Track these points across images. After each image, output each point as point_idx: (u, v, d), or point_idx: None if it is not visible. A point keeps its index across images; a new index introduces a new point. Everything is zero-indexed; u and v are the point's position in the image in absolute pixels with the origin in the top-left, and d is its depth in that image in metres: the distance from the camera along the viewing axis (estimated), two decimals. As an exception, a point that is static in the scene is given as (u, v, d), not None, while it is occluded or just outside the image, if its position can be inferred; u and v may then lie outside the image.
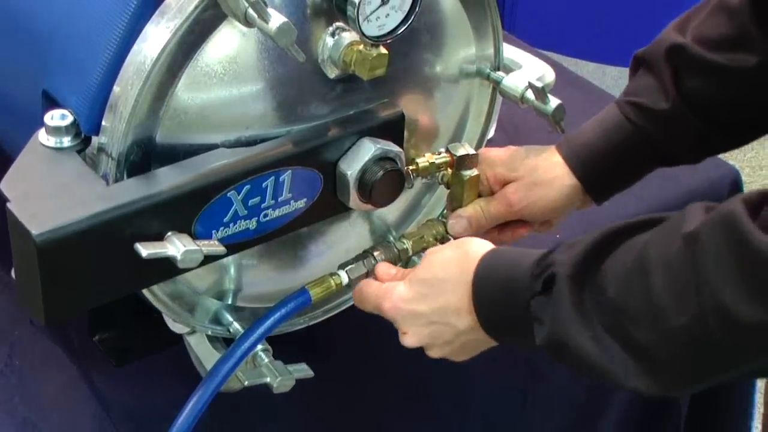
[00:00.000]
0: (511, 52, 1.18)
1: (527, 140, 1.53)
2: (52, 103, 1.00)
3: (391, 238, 1.18)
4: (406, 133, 1.11)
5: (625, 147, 1.13)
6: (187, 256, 0.93)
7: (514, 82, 1.14)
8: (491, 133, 1.52)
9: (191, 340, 1.13)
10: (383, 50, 0.99)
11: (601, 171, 1.14)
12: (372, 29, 0.97)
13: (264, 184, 0.99)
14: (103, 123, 0.95)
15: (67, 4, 1.00)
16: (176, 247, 0.92)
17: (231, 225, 0.99)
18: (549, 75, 1.16)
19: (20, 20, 1.05)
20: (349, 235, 1.17)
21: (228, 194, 0.97)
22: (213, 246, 0.96)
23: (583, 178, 1.13)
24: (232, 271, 1.11)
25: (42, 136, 0.97)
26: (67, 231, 0.89)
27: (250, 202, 0.98)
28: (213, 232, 0.98)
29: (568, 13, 2.78)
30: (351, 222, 1.16)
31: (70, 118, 0.97)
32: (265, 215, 1.00)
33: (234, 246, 1.00)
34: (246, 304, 1.13)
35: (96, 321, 1.19)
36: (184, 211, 0.95)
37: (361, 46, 0.98)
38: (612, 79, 2.80)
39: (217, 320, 1.12)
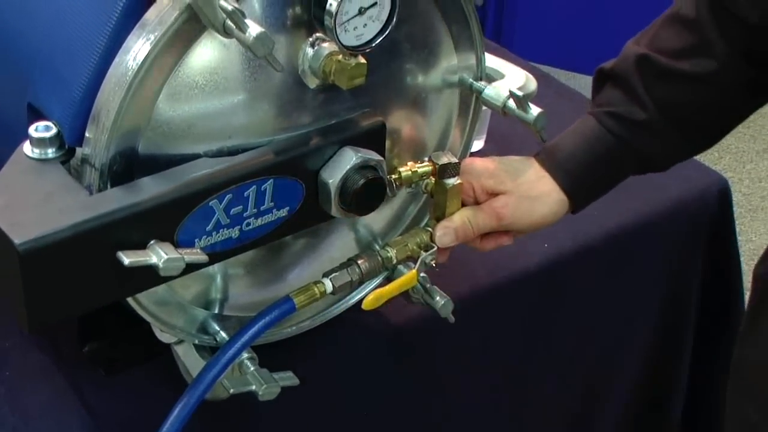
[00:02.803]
0: (493, 62, 1.20)
1: (517, 152, 1.54)
2: (37, 115, 1.01)
3: (377, 247, 1.19)
4: (389, 142, 1.12)
5: (608, 158, 1.15)
6: (168, 264, 0.94)
7: (496, 92, 1.15)
8: (481, 144, 1.54)
9: (179, 349, 1.14)
10: (362, 60, 1.00)
11: (587, 184, 1.16)
12: (350, 39, 0.99)
13: (246, 193, 1.00)
14: (87, 134, 0.97)
15: (51, 17, 1.01)
16: (158, 255, 0.94)
17: (213, 234, 1.00)
18: (531, 84, 1.18)
19: (5, 33, 1.06)
20: (334, 244, 1.19)
21: (210, 203, 0.98)
22: (195, 254, 0.97)
23: (572, 192, 1.15)
24: (219, 280, 1.12)
25: (27, 147, 0.99)
26: (50, 240, 0.90)
27: (232, 211, 1.00)
28: (196, 240, 0.99)
29: (565, 28, 2.80)
30: (336, 231, 1.18)
31: (54, 130, 0.98)
32: (248, 224, 1.02)
33: (217, 255, 1.01)
34: (233, 313, 1.15)
35: (85, 331, 1.20)
36: (167, 220, 0.96)
37: (340, 56, 0.99)
38: (609, 92, 2.81)
39: (203, 329, 1.13)
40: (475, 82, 1.17)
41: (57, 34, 1.00)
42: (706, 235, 1.53)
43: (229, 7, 0.90)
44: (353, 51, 0.99)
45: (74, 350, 1.19)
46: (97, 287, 0.95)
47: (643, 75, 1.12)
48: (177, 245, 0.97)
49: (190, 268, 0.97)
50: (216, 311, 1.13)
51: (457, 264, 1.24)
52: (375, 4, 0.99)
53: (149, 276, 0.95)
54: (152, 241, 0.95)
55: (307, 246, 1.17)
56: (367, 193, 1.05)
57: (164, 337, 1.13)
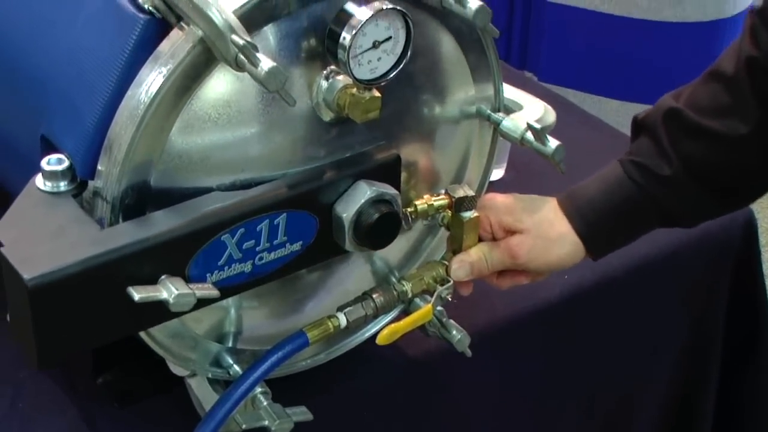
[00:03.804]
0: (511, 93, 1.19)
1: (538, 180, 1.53)
2: (49, 147, 1.01)
3: (393, 280, 1.18)
4: (405, 174, 1.11)
5: (628, 207, 1.12)
6: (179, 300, 0.93)
7: (514, 124, 1.14)
8: (501, 173, 1.53)
9: (192, 382, 1.13)
10: (376, 93, 0.99)
11: (603, 230, 1.14)
12: (364, 73, 0.98)
13: (258, 228, 0.99)
14: (99, 167, 0.96)
15: (65, 48, 1.01)
16: (169, 290, 0.93)
17: (225, 268, 0.99)
18: (549, 116, 1.16)
19: (20, 64, 1.06)
20: (350, 277, 1.17)
21: (222, 237, 0.97)
22: (206, 289, 0.96)
23: (586, 237, 1.13)
24: (233, 313, 1.11)
25: (39, 180, 0.98)
26: (59, 275, 0.89)
27: (244, 245, 0.99)
28: (207, 275, 0.98)
29: (591, 52, 2.78)
30: (352, 264, 1.16)
31: (66, 163, 0.98)
32: (260, 258, 1.01)
33: (229, 289, 1.00)
34: (247, 347, 1.14)
35: (99, 363, 1.19)
36: (178, 255, 0.95)
37: (354, 90, 0.99)
38: (636, 117, 2.79)
39: (217, 362, 1.12)
40: (493, 114, 1.16)
41: (70, 65, 1.00)
42: (732, 265, 1.51)
43: (241, 42, 0.89)
44: (367, 84, 0.98)
45: (88, 381, 1.19)
46: (107, 322, 0.94)
47: (671, 129, 1.10)
48: (188, 280, 0.96)
49: (201, 303, 0.96)
50: (230, 345, 1.12)
51: (476, 295, 1.22)
52: (390, 38, 0.97)
53: (160, 311, 0.94)
54: (163, 276, 0.94)
55: (322, 278, 1.15)
56: (381, 227, 1.03)
57: (177, 370, 1.12)
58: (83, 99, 0.98)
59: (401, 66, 1.00)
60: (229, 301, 1.09)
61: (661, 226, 1.15)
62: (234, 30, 0.90)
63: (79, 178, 0.98)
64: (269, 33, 0.97)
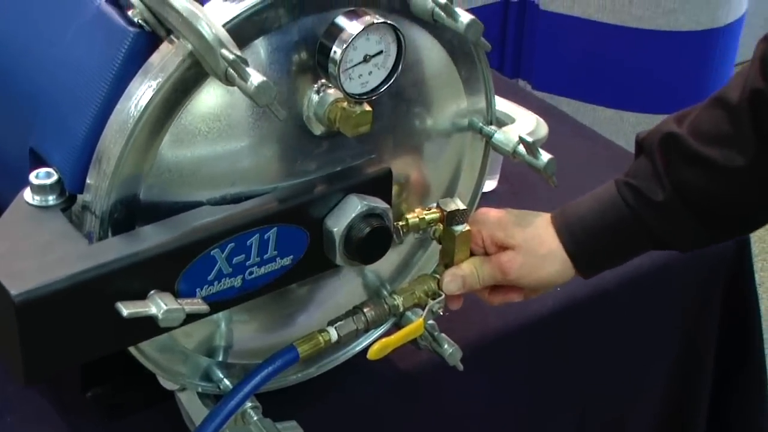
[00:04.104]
0: (504, 105, 1.18)
1: (531, 192, 1.53)
2: (38, 160, 1.00)
3: (385, 293, 1.17)
4: (396, 188, 1.10)
5: (619, 228, 1.11)
6: (168, 316, 0.92)
7: (506, 137, 1.13)
8: (494, 185, 1.53)
9: (182, 396, 1.13)
10: (367, 107, 0.99)
11: (592, 249, 1.12)
12: (354, 87, 0.97)
13: (248, 242, 0.98)
14: (88, 181, 0.95)
15: (55, 61, 1.00)
16: (158, 306, 0.92)
17: (215, 283, 0.98)
18: (542, 129, 1.16)
19: (10, 76, 1.05)
20: (342, 290, 1.17)
21: (212, 252, 0.96)
22: (196, 305, 0.95)
23: (575, 256, 1.12)
24: (223, 327, 1.11)
25: (27, 194, 0.97)
26: (46, 290, 0.88)
27: (234, 259, 0.98)
28: (197, 290, 0.97)
29: (585, 60, 2.77)
30: (344, 277, 1.16)
31: (54, 177, 0.97)
32: (251, 273, 1.00)
33: (219, 304, 1.00)
34: (237, 361, 1.13)
35: (88, 376, 1.18)
36: (167, 270, 0.95)
37: (345, 104, 0.98)
38: (630, 126, 2.79)
39: (207, 377, 1.11)
40: (485, 127, 1.15)
41: (60, 78, 0.99)
42: (724, 279, 1.51)
43: (231, 56, 0.88)
44: (358, 99, 0.97)
45: (77, 394, 1.18)
46: (95, 338, 0.94)
47: (667, 155, 1.08)
48: (178, 295, 0.95)
49: (191, 318, 0.95)
50: (220, 358, 1.11)
51: (468, 308, 1.22)
52: (381, 52, 0.97)
53: (149, 326, 0.93)
54: (152, 291, 0.93)
55: (313, 292, 1.15)
56: (372, 241, 1.03)
57: (167, 384, 1.11)
58: (72, 112, 0.97)
59: (392, 80, 0.99)
60: (220, 315, 1.08)
61: (654, 248, 1.14)
62: (224, 44, 0.89)
63: (68, 192, 0.98)
64: (260, 46, 0.97)
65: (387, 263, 1.18)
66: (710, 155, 1.06)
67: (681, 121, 1.10)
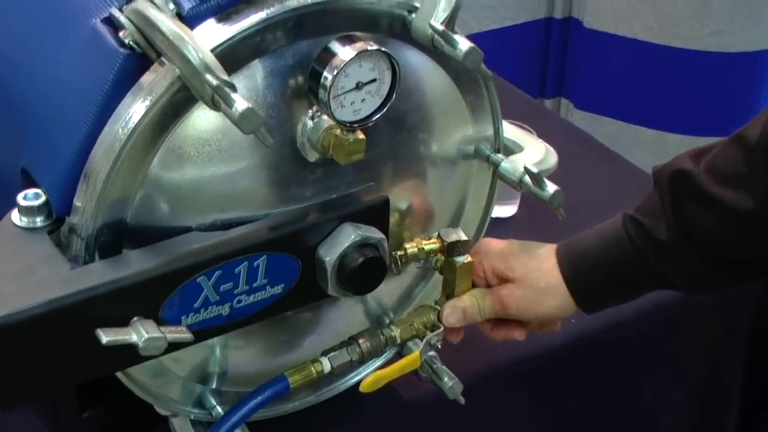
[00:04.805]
0: (513, 133, 1.15)
1: (551, 218, 1.48)
2: (29, 180, 0.99)
3: (387, 321, 1.14)
4: (397, 215, 1.08)
5: (622, 265, 1.06)
6: (149, 344, 0.90)
7: (513, 166, 1.10)
8: (514, 210, 1.49)
9: (175, 422, 1.11)
10: (360, 135, 0.96)
11: (594, 285, 1.08)
12: (346, 114, 0.94)
13: (237, 270, 0.96)
14: (75, 203, 0.94)
15: (48, 81, 0.99)
16: (139, 333, 0.90)
17: (202, 311, 0.96)
18: (550, 159, 1.12)
19: (6, 94, 1.04)
20: (342, 318, 1.14)
21: (198, 280, 0.94)
22: (179, 333, 0.93)
23: (576, 291, 1.08)
24: (218, 353, 1.09)
25: (14, 215, 0.96)
26: (24, 316, 0.87)
27: (221, 287, 0.96)
28: (182, 317, 0.95)
29: (629, 80, 2.73)
30: (344, 305, 1.13)
31: (42, 198, 0.96)
32: (239, 301, 0.98)
33: (206, 332, 0.98)
34: (232, 388, 1.11)
35: (85, 397, 1.16)
36: (151, 297, 0.93)
37: (338, 131, 0.95)
38: (673, 147, 2.73)
39: (200, 404, 1.09)
40: (492, 155, 1.12)
41: (51, 97, 0.98)
42: (750, 315, 1.45)
43: (214, 82, 0.86)
44: (349, 126, 0.95)
45: (73, 415, 1.16)
46: (75, 365, 0.92)
47: (676, 192, 1.03)
48: (162, 322, 0.93)
49: (174, 347, 0.93)
50: (213, 386, 1.09)
51: (475, 338, 1.19)
52: (375, 80, 0.94)
53: (131, 354, 0.91)
54: (135, 318, 0.92)
55: (312, 319, 1.12)
56: (365, 272, 1.00)
57: (161, 409, 1.09)
58: (61, 132, 0.96)
59: (386, 108, 0.96)
60: (215, 341, 1.06)
61: (658, 288, 1.09)
62: (210, 69, 0.87)
63: (55, 214, 0.96)
64: (256, 70, 0.95)
65: (389, 292, 1.15)
66: (720, 196, 1.01)
67: (699, 157, 1.04)
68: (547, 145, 1.14)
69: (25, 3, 1.07)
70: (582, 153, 1.64)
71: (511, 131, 1.14)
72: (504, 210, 1.50)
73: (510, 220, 1.50)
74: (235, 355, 1.10)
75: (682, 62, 2.66)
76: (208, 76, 0.86)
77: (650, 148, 2.70)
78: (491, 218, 1.49)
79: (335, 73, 0.92)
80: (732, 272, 1.05)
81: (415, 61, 1.02)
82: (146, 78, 0.92)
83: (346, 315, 1.14)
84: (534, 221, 1.51)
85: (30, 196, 0.96)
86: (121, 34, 0.93)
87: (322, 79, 0.92)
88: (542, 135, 1.49)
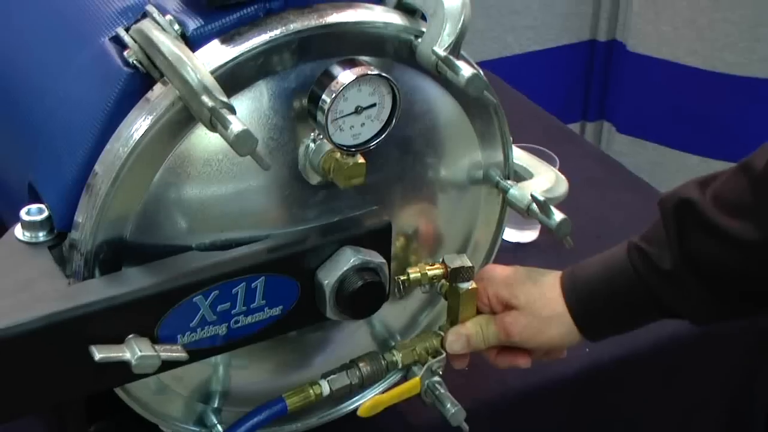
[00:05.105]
0: (524, 160, 1.14)
1: (576, 245, 1.47)
2: (35, 195, 1.00)
3: (393, 344, 1.14)
4: (403, 239, 1.07)
5: (626, 294, 1.05)
6: (142, 362, 0.91)
7: (521, 193, 1.09)
8: (535, 235, 1.48)
9: (177, 438, 1.11)
10: (360, 159, 0.96)
11: (598, 314, 1.07)
12: (345, 138, 0.94)
13: (234, 291, 0.96)
14: (76, 219, 0.95)
15: (56, 97, 1.00)
16: (133, 351, 0.91)
17: (198, 330, 0.96)
18: (560, 187, 1.11)
19: (18, 108, 1.05)
20: (348, 340, 1.13)
21: (194, 299, 0.94)
22: (173, 352, 0.93)
23: (580, 320, 1.07)
24: (221, 372, 1.09)
25: (18, 229, 0.97)
26: (18, 330, 0.88)
27: (218, 307, 0.96)
28: (179, 336, 0.95)
29: (673, 105, 2.70)
30: (349, 327, 1.12)
31: (45, 214, 0.97)
32: (236, 321, 0.98)
33: (203, 351, 0.98)
34: (234, 408, 1.10)
35: (93, 409, 1.17)
36: (147, 315, 0.93)
37: (338, 154, 0.95)
38: (718, 174, 2.70)
39: (201, 422, 1.09)
40: (501, 181, 1.11)
41: (58, 114, 0.99)
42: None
43: (210, 103, 0.86)
44: (347, 150, 0.95)
45: (81, 428, 1.17)
46: (68, 380, 0.93)
47: (681, 222, 1.02)
48: (158, 340, 0.94)
49: (168, 365, 0.93)
50: (216, 405, 1.09)
51: (487, 364, 1.18)
52: (374, 104, 0.94)
53: (124, 371, 0.92)
54: (130, 336, 0.92)
55: (317, 341, 1.12)
56: (364, 296, 1.00)
57: (163, 427, 1.10)
58: (65, 148, 0.97)
59: (386, 133, 0.96)
60: (218, 361, 1.07)
61: (664, 318, 1.07)
62: (208, 90, 0.87)
63: (57, 229, 0.97)
64: (260, 91, 0.95)
65: (396, 316, 1.15)
66: (725, 226, 0.99)
67: (705, 185, 1.03)
68: (558, 173, 1.13)
69: (40, 19, 1.08)
70: (607, 179, 1.62)
71: (522, 157, 1.14)
72: (525, 235, 1.49)
73: (531, 246, 1.49)
74: (238, 375, 1.10)
75: (727, 87, 2.62)
76: (204, 98, 0.86)
77: (693, 174, 2.65)
78: (512, 243, 1.50)
79: (333, 96, 0.92)
80: (739, 303, 1.03)
81: (423, 86, 1.02)
82: (149, 97, 0.93)
83: (352, 338, 1.14)
84: (555, 247, 1.48)
85: (33, 211, 0.97)
86: (126, 53, 0.94)
87: (320, 102, 0.92)
88: (566, 160, 1.50)
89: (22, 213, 0.97)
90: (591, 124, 2.83)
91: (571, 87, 2.76)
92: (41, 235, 0.97)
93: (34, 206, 0.97)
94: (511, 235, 1.49)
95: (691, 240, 1.01)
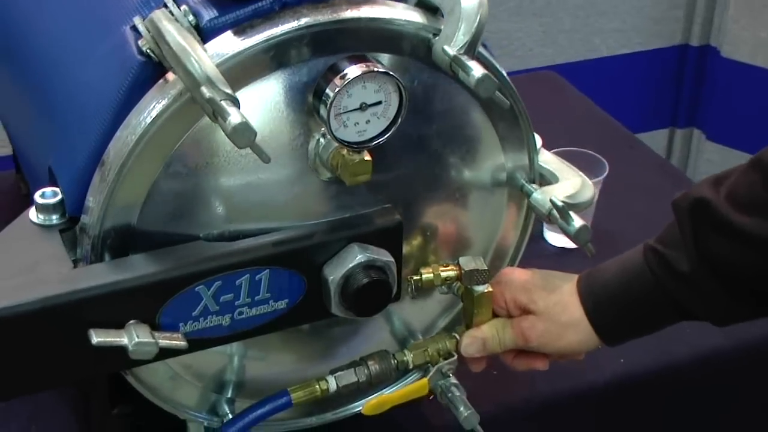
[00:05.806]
0: (552, 164, 1.11)
1: (614, 251, 1.44)
2: (53, 179, 1.02)
3: (411, 342, 1.13)
4: (420, 239, 1.06)
5: (643, 297, 1.03)
6: (139, 348, 0.91)
7: (544, 198, 1.07)
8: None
9: (191, 426, 1.12)
10: (367, 157, 0.95)
11: (616, 318, 1.05)
12: (349, 134, 0.93)
13: (238, 282, 0.96)
14: (86, 204, 0.96)
15: (76, 84, 1.02)
16: (131, 336, 0.91)
17: (201, 320, 0.97)
18: (585, 192, 1.08)
19: (45, 95, 1.08)
20: (371, 336, 1.13)
21: (197, 288, 0.95)
22: (172, 340, 0.94)
23: (598, 324, 1.05)
24: (236, 363, 1.09)
25: (32, 212, 0.99)
26: (17, 311, 0.89)
27: (221, 298, 0.96)
28: (180, 324, 0.96)
29: (764, 114, 2.62)
30: (370, 323, 1.12)
31: (59, 197, 0.98)
32: (240, 313, 0.98)
33: (206, 341, 0.98)
34: (247, 399, 1.11)
35: (116, 392, 1.19)
36: (148, 302, 0.94)
37: (345, 151, 0.95)
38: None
39: (214, 411, 1.10)
40: (526, 184, 1.09)
41: (77, 99, 1.00)
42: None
43: (208, 94, 0.86)
44: (350, 146, 0.94)
45: (103, 413, 1.18)
46: (68, 363, 0.94)
47: (696, 222, 0.99)
48: (159, 328, 0.94)
49: (166, 353, 0.94)
50: (229, 395, 1.10)
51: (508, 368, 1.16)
52: (380, 102, 0.93)
53: (121, 357, 0.92)
54: (131, 321, 0.93)
55: (335, 335, 1.11)
56: (369, 294, 0.99)
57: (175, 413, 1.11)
58: (79, 134, 0.98)
59: (392, 131, 0.95)
60: (233, 351, 1.07)
61: (683, 320, 1.05)
62: (210, 81, 0.87)
63: (69, 213, 0.98)
64: (271, 84, 0.94)
65: (416, 316, 1.14)
66: (740, 223, 0.96)
67: (719, 184, 1.00)
68: (585, 179, 1.10)
69: (73, 6, 1.09)
70: (663, 186, 1.58)
71: (550, 161, 1.11)
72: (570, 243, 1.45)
73: (575, 251, 1.45)
74: (254, 367, 1.10)
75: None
76: (203, 89, 0.86)
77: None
78: (558, 248, 1.47)
79: (336, 91, 0.91)
80: (757, 302, 1.00)
81: (441, 84, 1.00)
82: (159, 86, 0.93)
83: (373, 335, 1.13)
84: (599, 252, 1.46)
85: (47, 194, 0.98)
86: (140, 42, 0.95)
87: (324, 96, 0.92)
88: (618, 165, 1.47)
89: (37, 195, 0.98)
90: (680, 131, 2.76)
91: (660, 92, 2.70)
92: (54, 218, 0.98)
93: (48, 189, 0.99)
94: (555, 239, 1.46)
95: (707, 240, 0.98)
